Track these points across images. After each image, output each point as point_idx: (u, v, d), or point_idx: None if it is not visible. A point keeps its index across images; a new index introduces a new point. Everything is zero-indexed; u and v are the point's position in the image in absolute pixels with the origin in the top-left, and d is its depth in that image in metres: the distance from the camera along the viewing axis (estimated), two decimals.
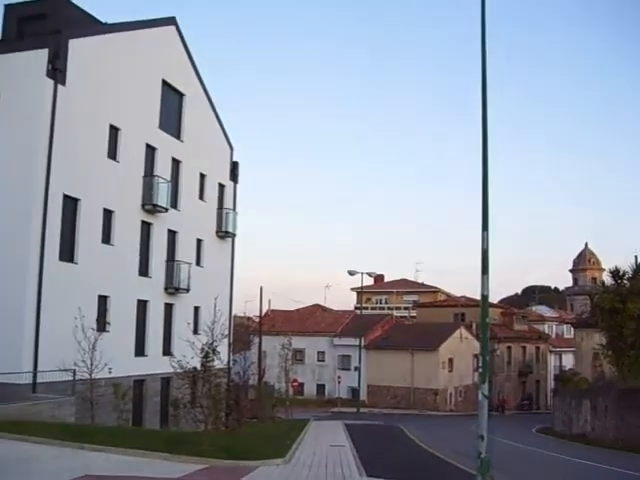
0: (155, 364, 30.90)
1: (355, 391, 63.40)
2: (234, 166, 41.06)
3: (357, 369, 61.82)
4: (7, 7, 29.73)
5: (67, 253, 26.65)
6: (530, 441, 34.57)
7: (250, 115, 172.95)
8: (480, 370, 14.00)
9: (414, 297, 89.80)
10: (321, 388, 69.35)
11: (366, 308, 79.49)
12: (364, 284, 65.41)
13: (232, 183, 40.83)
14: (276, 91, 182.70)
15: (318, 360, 69.69)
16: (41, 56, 25.86)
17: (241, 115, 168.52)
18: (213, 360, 19.44)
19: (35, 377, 24.38)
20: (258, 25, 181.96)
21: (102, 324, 27.30)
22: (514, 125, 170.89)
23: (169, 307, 33.67)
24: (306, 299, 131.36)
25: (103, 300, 28.32)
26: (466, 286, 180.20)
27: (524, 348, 76.99)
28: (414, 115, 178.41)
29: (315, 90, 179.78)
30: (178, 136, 34.85)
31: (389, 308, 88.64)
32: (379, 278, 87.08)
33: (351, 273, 59.19)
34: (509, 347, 74.00)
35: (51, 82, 25.85)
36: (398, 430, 37.00)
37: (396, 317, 78.36)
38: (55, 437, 17.79)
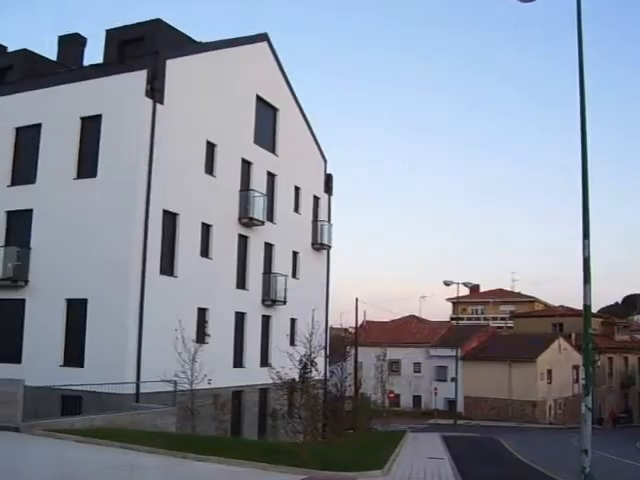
0: (253, 375, 31.33)
1: (452, 402, 62.64)
2: (328, 178, 41.33)
3: (454, 380, 61.06)
4: (108, 32, 30.81)
5: (167, 267, 27.39)
6: (636, 456, 33.51)
7: (343, 125, 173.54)
8: (583, 382, 13.72)
9: (510, 307, 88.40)
10: (417, 399, 68.85)
11: (462, 318, 78.69)
12: (460, 294, 64.74)
13: (326, 195, 41.09)
14: (368, 101, 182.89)
15: (414, 371, 69.22)
16: (140, 77, 26.71)
17: (334, 126, 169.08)
18: (311, 371, 19.59)
19: (138, 388, 25.07)
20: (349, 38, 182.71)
21: (202, 336, 27.86)
22: (610, 124, 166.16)
23: (266, 319, 34.05)
24: (401, 310, 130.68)
25: (202, 312, 28.88)
26: (564, 295, 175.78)
27: (626, 359, 74.61)
28: (510, 119, 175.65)
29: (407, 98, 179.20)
30: (273, 150, 35.33)
31: (485, 318, 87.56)
32: (475, 288, 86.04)
33: (447, 283, 58.66)
34: (610, 358, 71.80)
35: (150, 101, 26.65)
36: (496, 442, 36.46)
37: (492, 327, 77.26)
38: (158, 446, 18.12)
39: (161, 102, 27.05)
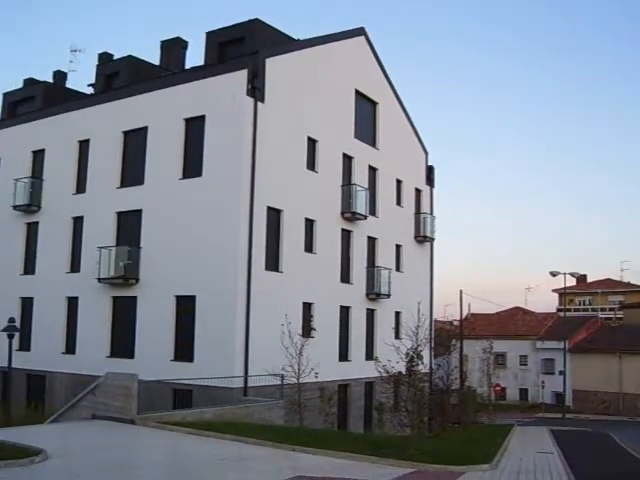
0: (358, 369, 31.52)
1: (559, 396, 61.30)
2: (429, 170, 41.03)
3: (562, 373, 59.71)
4: (208, 34, 31.52)
5: (272, 263, 27.78)
6: None
7: (444, 113, 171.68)
8: None
9: (620, 297, 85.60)
10: (524, 393, 67.71)
11: (569, 310, 76.66)
12: (566, 285, 63.19)
13: (428, 187, 40.84)
14: (468, 90, 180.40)
15: (520, 364, 68.13)
16: (241, 77, 27.14)
17: (435, 115, 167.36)
18: (418, 365, 19.50)
19: (246, 381, 25.56)
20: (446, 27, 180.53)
21: (307, 330, 28.12)
22: None
23: (370, 313, 34.09)
24: (506, 302, 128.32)
25: (307, 307, 29.19)
26: None
27: None
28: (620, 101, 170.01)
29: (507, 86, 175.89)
30: (373, 144, 35.29)
31: (593, 309, 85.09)
32: (582, 279, 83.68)
33: (553, 274, 57.32)
34: None
35: (251, 100, 27.05)
36: (608, 437, 35.51)
37: (601, 319, 75.07)
38: (267, 439, 18.46)
39: (262, 100, 27.41)
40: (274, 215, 28.02)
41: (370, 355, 31.93)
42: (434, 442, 22.16)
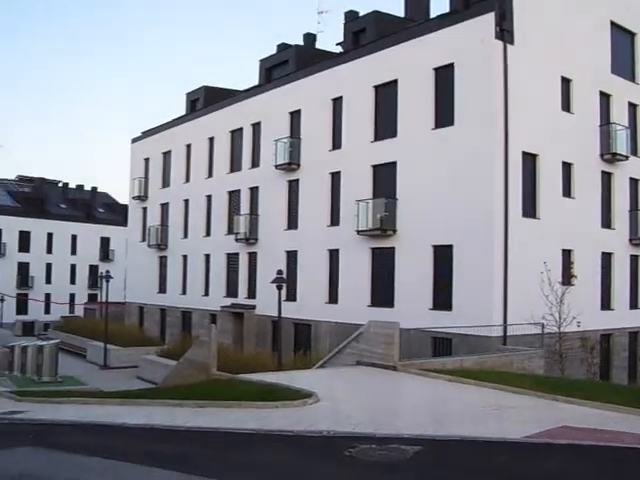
0: (622, 318, 30.09)
1: None
2: None
3: None
4: None
5: (529, 209, 27.15)
6: None
7: None
8: None
9: None
10: None
11: None
12: None
13: None
14: None
15: None
16: (488, 20, 26.55)
17: None
18: None
19: (505, 330, 25.41)
20: None
21: (568, 278, 27.32)
22: None
23: (635, 259, 32.13)
24: None
25: (567, 254, 28.27)
26: None
27: None
28: None
29: None
30: (633, 79, 32.78)
31: None
32: None
33: None
34: None
35: (500, 43, 26.39)
36: None
37: None
38: (527, 387, 18.19)
39: (511, 42, 26.67)
40: (529, 160, 27.28)
41: (635, 304, 30.49)
42: None
